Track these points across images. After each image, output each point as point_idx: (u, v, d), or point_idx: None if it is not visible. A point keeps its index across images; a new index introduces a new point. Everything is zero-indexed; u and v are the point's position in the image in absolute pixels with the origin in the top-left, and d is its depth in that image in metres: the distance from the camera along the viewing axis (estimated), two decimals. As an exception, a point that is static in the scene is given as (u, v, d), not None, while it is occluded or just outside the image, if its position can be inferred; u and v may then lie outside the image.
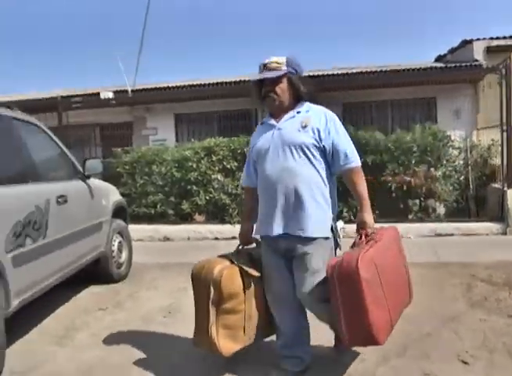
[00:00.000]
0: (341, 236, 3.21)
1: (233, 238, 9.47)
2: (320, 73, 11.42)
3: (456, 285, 5.47)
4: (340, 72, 11.91)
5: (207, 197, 10.22)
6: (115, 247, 6.18)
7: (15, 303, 3.75)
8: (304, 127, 3.07)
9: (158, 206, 10.42)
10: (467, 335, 3.92)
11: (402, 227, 8.60)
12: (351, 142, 3.15)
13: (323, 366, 3.42)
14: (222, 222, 10.06)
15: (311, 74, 11.06)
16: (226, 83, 11.93)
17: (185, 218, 10.37)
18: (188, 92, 12.24)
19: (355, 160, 3.10)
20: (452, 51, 12.55)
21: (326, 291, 2.94)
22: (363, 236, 3.03)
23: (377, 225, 3.20)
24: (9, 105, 4.84)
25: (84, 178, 5.55)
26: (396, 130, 10.16)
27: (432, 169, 9.50)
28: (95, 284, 6.01)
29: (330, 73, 11.84)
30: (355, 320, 2.77)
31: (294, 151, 3.04)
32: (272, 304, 3.29)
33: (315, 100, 3.28)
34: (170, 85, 12.61)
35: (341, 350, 3.50)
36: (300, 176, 3.02)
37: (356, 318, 2.76)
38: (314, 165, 3.05)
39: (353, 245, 3.07)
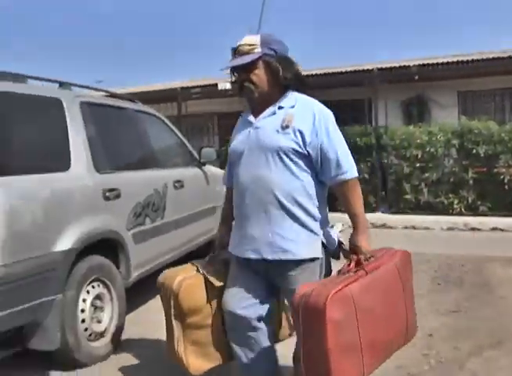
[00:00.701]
0: (343, 242, 2.58)
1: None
2: (434, 61, 11.10)
3: None
4: (454, 60, 11.40)
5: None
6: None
7: (134, 275, 4.23)
8: (285, 127, 2.40)
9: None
10: None
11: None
12: (346, 147, 2.46)
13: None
14: (332, 210, 10.15)
15: (424, 62, 10.85)
16: (340, 73, 11.94)
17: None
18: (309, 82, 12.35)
19: (350, 171, 2.40)
20: None
21: None
22: (352, 264, 2.36)
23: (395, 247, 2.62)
24: (132, 98, 5.34)
25: (200, 165, 5.94)
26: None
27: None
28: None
29: (444, 61, 11.40)
30: (314, 365, 2.19)
31: (270, 157, 2.41)
32: (229, 330, 2.67)
33: (305, 88, 2.62)
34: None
35: None
36: (276, 188, 2.39)
37: (315, 362, 2.19)
38: (295, 175, 2.41)
39: (339, 272, 2.38)
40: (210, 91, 12.49)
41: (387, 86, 10.96)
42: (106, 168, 4.00)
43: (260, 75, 2.45)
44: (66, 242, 3.36)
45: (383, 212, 10.06)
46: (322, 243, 2.47)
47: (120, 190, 4.04)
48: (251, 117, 2.57)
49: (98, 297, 3.69)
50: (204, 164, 6.02)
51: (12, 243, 3.02)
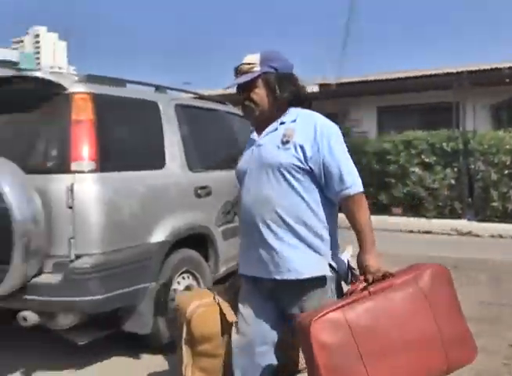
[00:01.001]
0: (354, 266, 2.40)
1: (426, 232, 9.49)
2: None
3: None
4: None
5: (405, 190, 10.33)
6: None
7: (222, 270, 4.49)
8: (286, 142, 2.32)
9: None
10: None
11: None
12: (350, 161, 2.35)
13: None
14: (418, 215, 10.11)
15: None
16: (428, 76, 11.79)
17: (381, 209, 10.58)
18: (390, 85, 12.37)
19: (354, 185, 2.29)
20: None
21: None
22: (358, 284, 2.21)
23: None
24: (221, 100, 5.59)
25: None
26: None
27: None
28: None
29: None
30: None
31: (272, 175, 2.33)
32: (235, 354, 2.49)
33: (306, 107, 2.50)
34: (373, 79, 12.84)
35: None
36: (279, 207, 2.31)
37: None
38: (298, 192, 2.31)
39: (345, 293, 2.27)
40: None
41: (477, 89, 10.74)
42: (198, 167, 4.28)
43: (260, 94, 2.41)
44: (160, 234, 3.65)
45: (469, 220, 9.87)
46: (331, 266, 2.34)
47: (211, 188, 4.31)
48: (255, 135, 2.53)
49: (187, 288, 3.93)
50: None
51: (110, 233, 3.35)
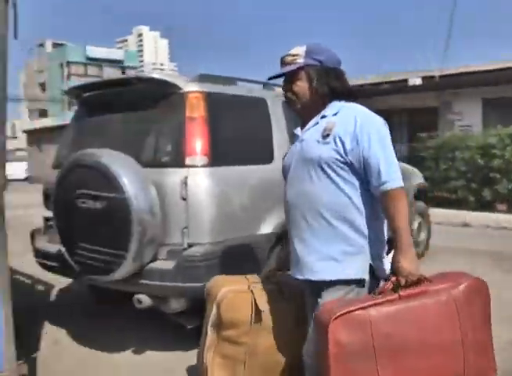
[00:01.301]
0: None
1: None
2: None
3: None
4: None
5: (510, 186, 9.91)
6: (415, 228, 6.57)
7: None
8: (326, 136, 2.25)
9: (459, 192, 10.49)
10: None
11: None
12: (392, 155, 2.22)
13: None
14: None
15: None
16: (498, 69, 11.22)
17: (485, 205, 10.22)
18: (497, 76, 11.86)
19: (392, 180, 2.15)
20: None
21: None
22: (388, 285, 2.10)
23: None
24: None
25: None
26: None
27: None
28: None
29: None
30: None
31: (312, 170, 2.27)
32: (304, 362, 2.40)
33: (351, 101, 2.42)
34: (478, 69, 12.34)
35: None
36: (320, 204, 2.24)
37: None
38: (341, 188, 2.23)
39: (374, 292, 2.15)
40: (400, 86, 12.44)
41: None
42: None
43: (302, 86, 2.37)
44: (268, 226, 3.81)
45: None
46: (371, 267, 2.24)
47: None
48: (298, 130, 2.50)
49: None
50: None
51: (221, 224, 3.54)
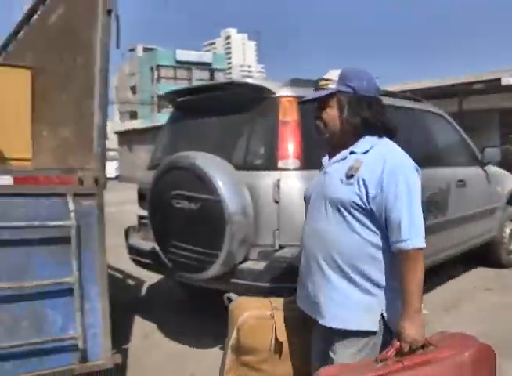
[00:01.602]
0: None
1: None
2: None
3: None
4: None
5: None
6: (506, 234, 6.34)
7: None
8: (350, 176, 2.07)
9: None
10: None
11: None
12: (418, 210, 2.02)
13: None
14: None
15: None
16: None
17: None
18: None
19: (413, 239, 1.96)
20: None
21: None
22: (391, 351, 1.94)
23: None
24: (415, 97, 5.55)
25: (482, 164, 5.90)
26: None
27: None
28: (483, 266, 6.33)
29: None
30: None
31: (331, 210, 2.12)
32: None
33: (386, 136, 2.20)
34: None
35: None
36: (333, 247, 2.10)
37: None
38: (358, 233, 2.06)
39: (376, 359, 1.97)
40: (493, 86, 12.00)
41: None
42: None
43: (331, 114, 2.17)
44: None
45: None
46: (383, 318, 2.08)
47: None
48: (326, 160, 2.32)
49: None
50: (486, 164, 5.97)
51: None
